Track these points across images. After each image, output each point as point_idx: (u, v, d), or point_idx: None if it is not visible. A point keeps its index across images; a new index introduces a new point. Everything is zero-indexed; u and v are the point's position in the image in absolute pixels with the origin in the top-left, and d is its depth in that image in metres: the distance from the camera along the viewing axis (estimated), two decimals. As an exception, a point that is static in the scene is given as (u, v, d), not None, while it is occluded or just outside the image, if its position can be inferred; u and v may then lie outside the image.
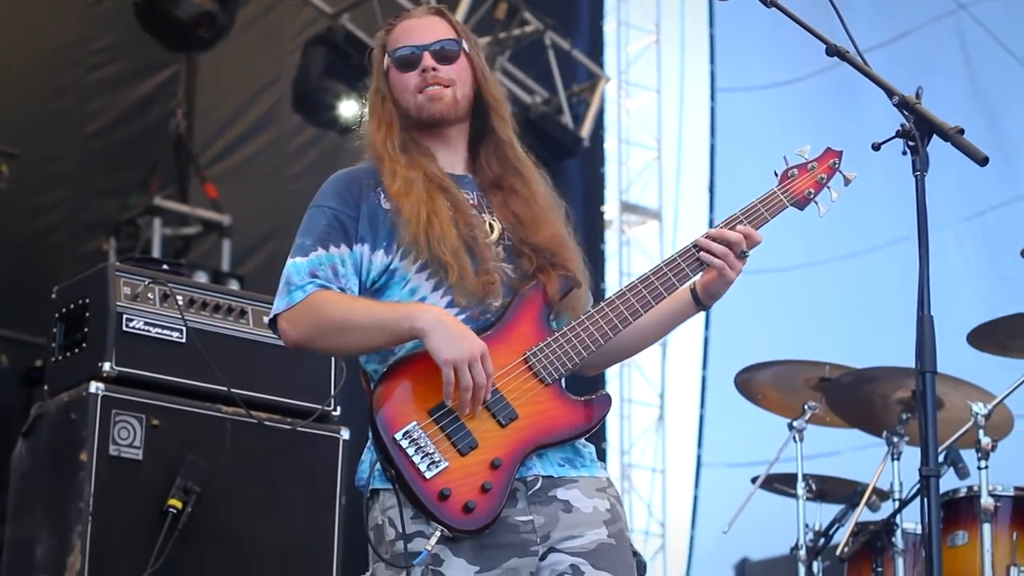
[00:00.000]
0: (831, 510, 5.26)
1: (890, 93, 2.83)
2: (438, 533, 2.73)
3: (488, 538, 2.76)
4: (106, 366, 3.95)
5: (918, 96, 2.83)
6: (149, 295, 4.07)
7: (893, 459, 4.95)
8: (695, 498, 11.18)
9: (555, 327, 2.93)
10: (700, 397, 11.27)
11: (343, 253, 2.90)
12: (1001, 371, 4.95)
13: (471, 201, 2.99)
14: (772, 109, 11.01)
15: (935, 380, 2.73)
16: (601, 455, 3.02)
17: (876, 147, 2.83)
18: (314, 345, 2.91)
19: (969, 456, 4.65)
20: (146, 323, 4.05)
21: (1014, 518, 4.58)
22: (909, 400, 4.94)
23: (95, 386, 3.91)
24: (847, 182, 3.05)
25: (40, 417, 4.08)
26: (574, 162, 9.66)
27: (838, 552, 4.88)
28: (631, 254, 11.56)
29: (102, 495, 3.83)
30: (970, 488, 4.62)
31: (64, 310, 4.18)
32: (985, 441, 4.52)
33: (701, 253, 2.95)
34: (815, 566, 5.15)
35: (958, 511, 4.62)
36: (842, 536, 4.93)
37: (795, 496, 5.23)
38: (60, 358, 4.15)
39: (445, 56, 3.01)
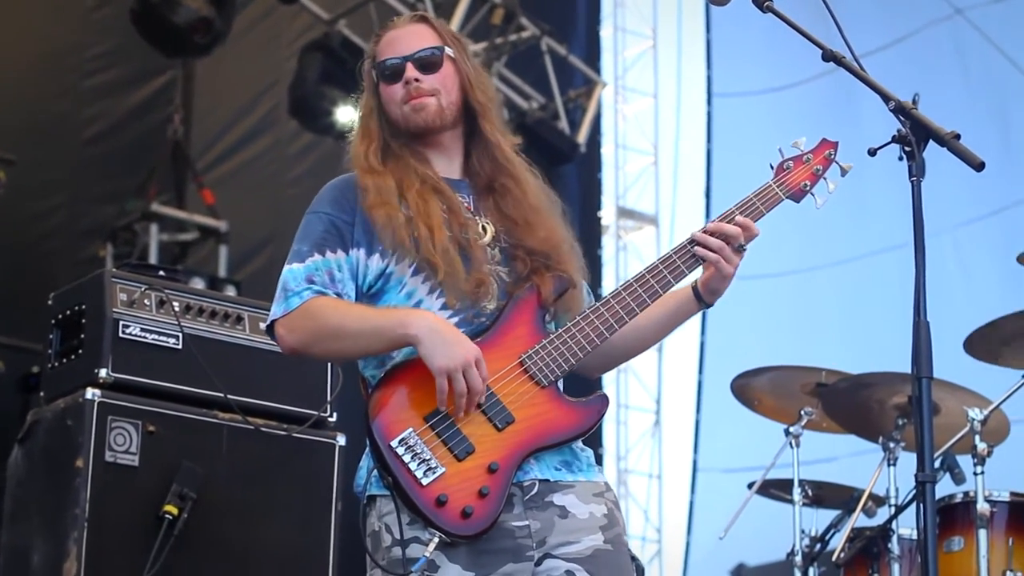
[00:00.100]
0: (827, 516, 5.24)
1: (886, 98, 2.81)
2: (436, 539, 2.72)
3: (484, 543, 2.75)
4: (102, 372, 3.95)
5: (915, 102, 2.81)
6: (145, 301, 4.07)
7: (889, 465, 4.95)
8: (691, 503, 11.16)
9: (552, 329, 2.93)
10: (696, 402, 11.24)
11: (340, 258, 2.90)
12: (997, 377, 4.95)
13: (466, 204, 2.99)
14: (769, 114, 11.00)
15: (931, 386, 2.71)
16: (597, 460, 3.01)
17: (872, 152, 2.81)
18: (311, 351, 2.91)
19: (965, 462, 4.65)
20: (142, 329, 4.05)
21: (1010, 524, 4.58)
22: (905, 406, 4.94)
23: (91, 392, 3.91)
24: (844, 172, 3.03)
25: (36, 423, 4.08)
26: (571, 167, 9.63)
27: (834, 558, 4.87)
28: (628, 259, 11.54)
29: (98, 501, 3.83)
30: (966, 494, 4.62)
31: (60, 316, 4.17)
32: (981, 447, 4.51)
33: (696, 248, 2.94)
34: (811, 572, 5.13)
35: (954, 517, 4.62)
36: (838, 542, 4.92)
37: (791, 502, 5.22)
38: (56, 364, 4.14)
39: (428, 64, 3.00)
